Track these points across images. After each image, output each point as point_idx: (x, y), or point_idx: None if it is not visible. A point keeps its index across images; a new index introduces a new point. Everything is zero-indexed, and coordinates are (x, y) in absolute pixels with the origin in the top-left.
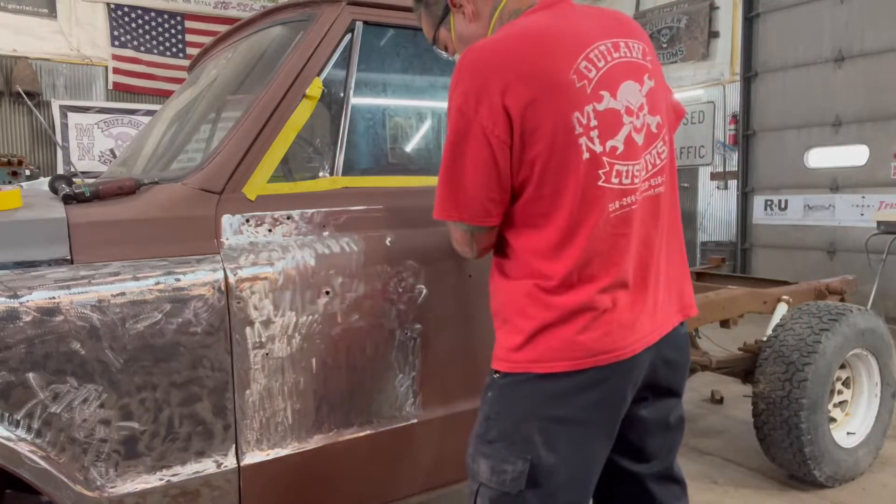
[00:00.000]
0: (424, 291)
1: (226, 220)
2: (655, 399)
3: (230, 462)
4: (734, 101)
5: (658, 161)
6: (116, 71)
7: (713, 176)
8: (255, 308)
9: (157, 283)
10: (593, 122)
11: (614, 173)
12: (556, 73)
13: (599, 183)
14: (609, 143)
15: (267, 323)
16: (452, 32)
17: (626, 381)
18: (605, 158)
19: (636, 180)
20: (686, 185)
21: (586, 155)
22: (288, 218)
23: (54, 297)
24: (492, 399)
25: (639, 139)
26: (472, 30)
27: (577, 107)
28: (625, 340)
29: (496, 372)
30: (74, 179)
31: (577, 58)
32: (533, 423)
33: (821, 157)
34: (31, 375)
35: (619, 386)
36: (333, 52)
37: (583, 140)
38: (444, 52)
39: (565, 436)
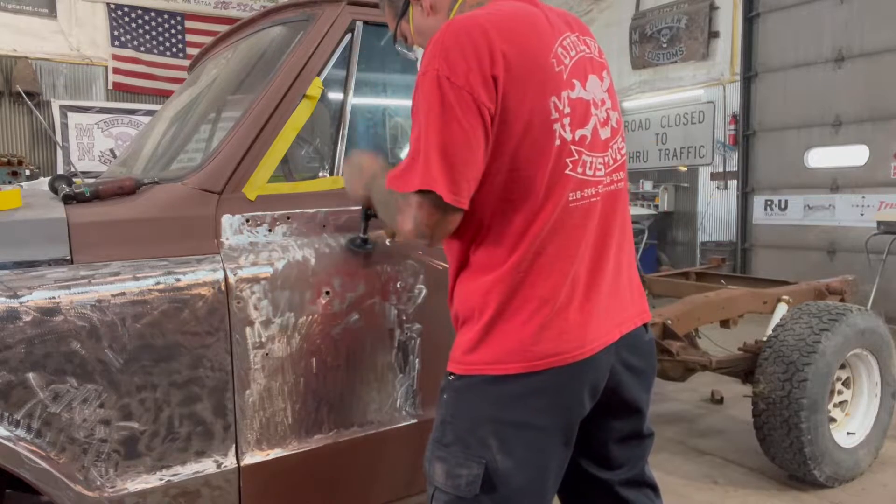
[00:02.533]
0: (424, 291)
1: (226, 219)
2: (623, 414)
3: (230, 462)
4: (734, 101)
5: (619, 157)
6: (116, 71)
7: (713, 176)
8: (255, 308)
9: (157, 283)
10: (567, 110)
11: (580, 163)
12: (539, 53)
13: (566, 171)
14: (578, 132)
15: (267, 323)
16: (411, 24)
17: (583, 385)
18: (573, 147)
19: (599, 173)
20: (686, 185)
21: (557, 142)
22: (288, 218)
23: (54, 297)
24: (447, 402)
25: (603, 133)
26: (430, 23)
27: (555, 91)
28: (580, 340)
29: (451, 374)
30: (74, 179)
31: (554, 42)
32: (488, 427)
33: (821, 157)
34: (31, 375)
35: (575, 389)
36: (333, 52)
37: (556, 126)
38: (404, 46)
39: (521, 440)
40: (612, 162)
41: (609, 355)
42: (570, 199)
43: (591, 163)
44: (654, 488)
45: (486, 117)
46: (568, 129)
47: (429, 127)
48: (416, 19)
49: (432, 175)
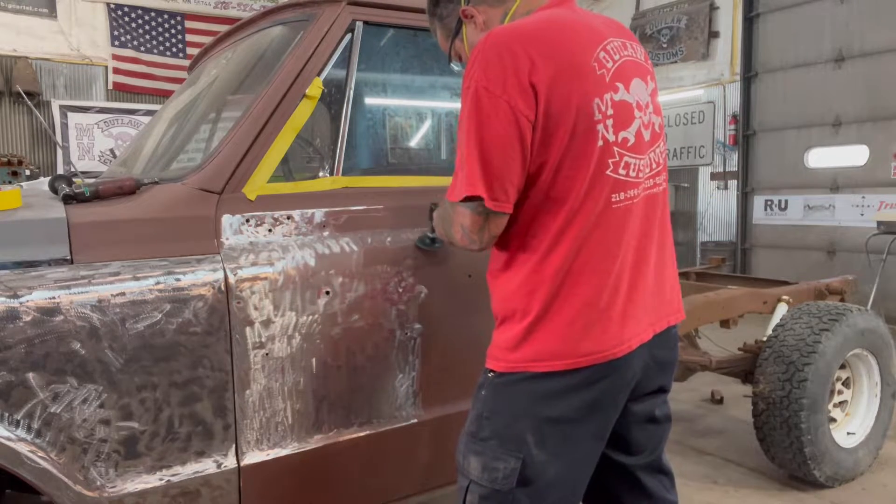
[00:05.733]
0: (424, 291)
1: (226, 220)
2: (646, 399)
3: (230, 462)
4: (734, 101)
5: (660, 160)
6: (116, 71)
7: (713, 176)
8: (255, 308)
9: (157, 283)
10: (610, 111)
11: (622, 164)
12: (578, 58)
13: (607, 172)
14: (621, 134)
15: (267, 323)
16: (465, 42)
17: (618, 382)
18: (615, 148)
19: (641, 175)
20: (686, 185)
21: (600, 143)
22: (288, 218)
23: (54, 297)
24: (486, 398)
25: (646, 135)
26: None
27: (598, 93)
28: (620, 337)
29: (491, 371)
30: (74, 179)
31: (595, 47)
32: (526, 423)
33: (821, 157)
34: (31, 375)
35: (613, 387)
36: (333, 52)
37: (600, 127)
38: (459, 63)
39: (557, 436)
40: (654, 165)
41: (643, 353)
42: (613, 200)
43: (634, 165)
44: (670, 476)
45: (525, 125)
46: (611, 130)
47: (469, 137)
48: (470, 36)
49: (473, 184)
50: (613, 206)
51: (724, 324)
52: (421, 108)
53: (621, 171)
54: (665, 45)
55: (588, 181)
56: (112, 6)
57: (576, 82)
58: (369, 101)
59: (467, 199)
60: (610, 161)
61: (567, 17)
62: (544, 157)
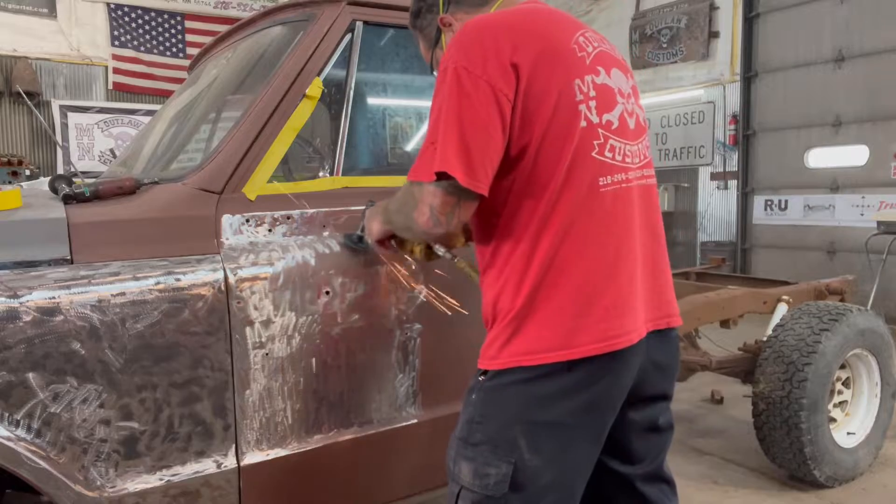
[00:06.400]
0: (424, 291)
1: (226, 220)
2: (644, 403)
3: (230, 462)
4: (734, 101)
5: (646, 154)
6: (116, 71)
7: (713, 176)
8: (255, 308)
9: (157, 283)
10: (592, 93)
11: (608, 147)
12: (558, 39)
13: (592, 154)
14: (605, 117)
15: (267, 323)
16: (445, 50)
17: (616, 384)
18: (600, 130)
19: (628, 160)
20: (686, 185)
21: (583, 123)
22: (288, 218)
23: (54, 297)
24: (476, 402)
25: (630, 123)
26: None
27: (578, 74)
28: (617, 330)
29: (483, 373)
30: (74, 179)
31: (574, 32)
32: (518, 427)
33: (821, 157)
34: (31, 375)
35: (609, 389)
36: (333, 52)
37: (582, 107)
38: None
39: (551, 440)
40: (641, 157)
41: (639, 354)
42: (601, 183)
43: (620, 148)
44: (670, 484)
45: (505, 105)
46: (594, 111)
47: (448, 115)
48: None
49: (448, 160)
50: (601, 189)
51: (724, 324)
52: (421, 108)
53: (607, 154)
54: (665, 45)
55: (569, 162)
56: (112, 6)
57: (557, 63)
58: (369, 101)
59: (440, 179)
60: (595, 143)
61: (543, 8)
62: (525, 139)
